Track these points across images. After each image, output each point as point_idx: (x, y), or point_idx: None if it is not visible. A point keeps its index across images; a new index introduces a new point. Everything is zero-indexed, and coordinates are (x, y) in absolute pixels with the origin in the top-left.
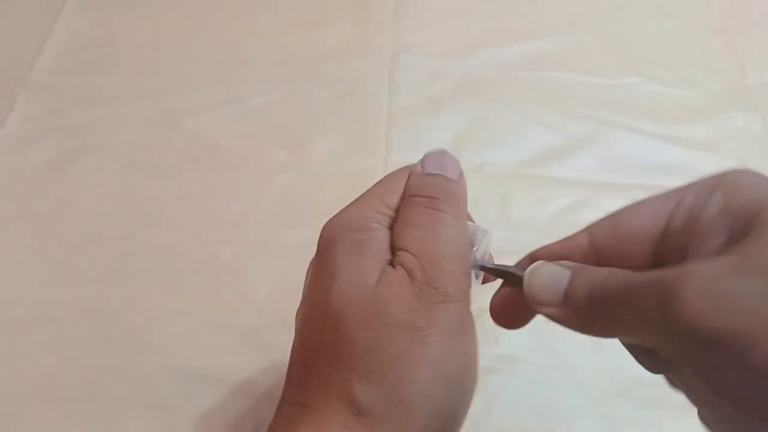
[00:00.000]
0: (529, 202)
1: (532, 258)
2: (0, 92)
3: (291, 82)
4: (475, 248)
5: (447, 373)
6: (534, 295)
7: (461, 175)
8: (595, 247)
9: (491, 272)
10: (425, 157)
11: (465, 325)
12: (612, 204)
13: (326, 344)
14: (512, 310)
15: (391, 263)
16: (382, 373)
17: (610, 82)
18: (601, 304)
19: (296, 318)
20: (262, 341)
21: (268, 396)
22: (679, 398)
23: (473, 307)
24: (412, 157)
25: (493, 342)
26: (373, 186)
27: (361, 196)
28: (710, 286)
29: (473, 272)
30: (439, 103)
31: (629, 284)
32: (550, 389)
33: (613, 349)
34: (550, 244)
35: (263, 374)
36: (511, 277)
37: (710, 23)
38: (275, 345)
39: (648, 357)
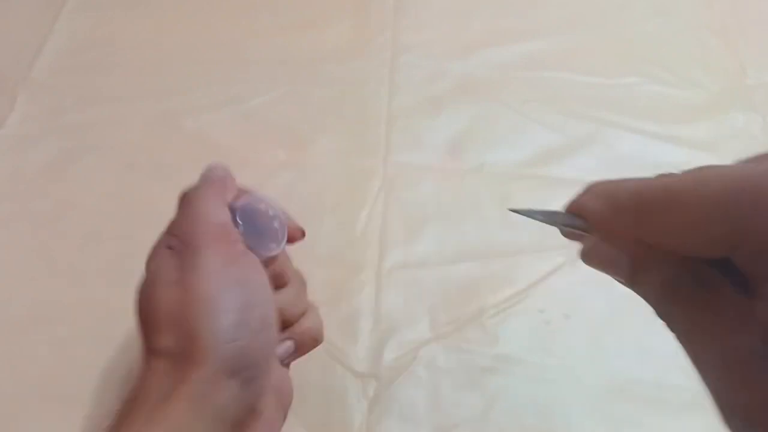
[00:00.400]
0: (529, 202)
1: (575, 209)
2: (0, 92)
3: (291, 82)
4: (238, 212)
5: (213, 300)
6: (595, 267)
7: (214, 165)
8: (639, 222)
9: (537, 219)
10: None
11: (224, 262)
12: None
13: (138, 326)
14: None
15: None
16: (170, 322)
17: (610, 82)
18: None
19: None
20: None
21: None
22: (680, 398)
23: (473, 306)
24: (412, 157)
25: (493, 342)
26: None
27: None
28: None
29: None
30: (439, 103)
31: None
32: (550, 389)
33: (613, 349)
34: (592, 196)
35: None
36: (558, 226)
37: (710, 23)
38: None
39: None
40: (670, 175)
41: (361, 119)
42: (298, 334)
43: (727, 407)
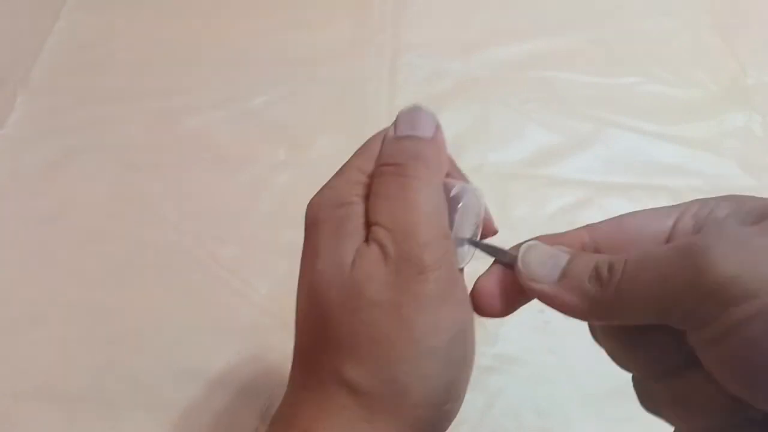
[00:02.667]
0: (529, 202)
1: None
2: (0, 92)
3: (291, 82)
4: (460, 205)
5: (435, 348)
6: (529, 270)
7: (437, 130)
8: (596, 244)
9: (483, 249)
10: (398, 116)
11: (449, 294)
12: (612, 204)
13: (315, 328)
14: (500, 293)
15: (366, 239)
16: (369, 354)
17: (610, 82)
18: (610, 280)
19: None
20: (262, 341)
21: (269, 395)
22: None
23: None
24: None
25: (493, 341)
26: (352, 155)
27: (341, 167)
28: (743, 242)
29: (459, 238)
30: (439, 103)
31: (651, 254)
32: (550, 389)
33: None
34: (547, 235)
35: (263, 374)
36: (502, 256)
37: (710, 23)
38: (275, 345)
39: (637, 350)
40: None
41: (361, 119)
42: None
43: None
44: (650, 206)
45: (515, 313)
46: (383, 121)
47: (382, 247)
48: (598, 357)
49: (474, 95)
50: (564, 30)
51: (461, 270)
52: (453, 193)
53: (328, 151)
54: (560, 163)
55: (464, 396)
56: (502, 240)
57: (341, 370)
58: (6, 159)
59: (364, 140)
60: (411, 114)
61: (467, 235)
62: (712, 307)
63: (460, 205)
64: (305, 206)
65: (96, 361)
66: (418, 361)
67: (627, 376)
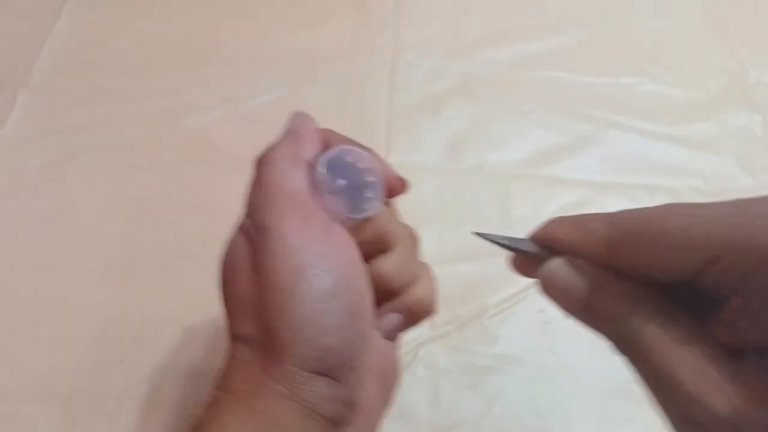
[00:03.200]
0: (529, 202)
1: (541, 237)
2: (0, 92)
3: (291, 82)
4: (323, 167)
5: (291, 289)
6: (552, 297)
7: (301, 122)
8: (614, 248)
9: (499, 245)
10: None
11: (303, 243)
12: (612, 204)
13: (222, 307)
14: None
15: None
16: (245, 311)
17: (610, 82)
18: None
19: None
20: None
21: None
22: None
23: (472, 306)
24: (412, 157)
25: (493, 341)
26: None
27: None
28: None
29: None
30: (439, 103)
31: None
32: (550, 389)
33: None
34: (561, 224)
35: None
36: (521, 252)
37: (710, 23)
38: None
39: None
40: (635, 209)
41: (361, 119)
42: (406, 306)
43: (674, 420)
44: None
45: (515, 313)
46: (383, 121)
47: (243, 226)
48: (599, 357)
49: (474, 95)
50: (564, 30)
51: (370, 218)
52: (322, 159)
53: None
54: (560, 163)
55: (351, 331)
56: None
57: (234, 329)
58: (6, 159)
59: (364, 140)
60: (287, 124)
61: (359, 187)
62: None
63: (321, 163)
64: None
65: (96, 361)
66: (280, 303)
67: (627, 377)
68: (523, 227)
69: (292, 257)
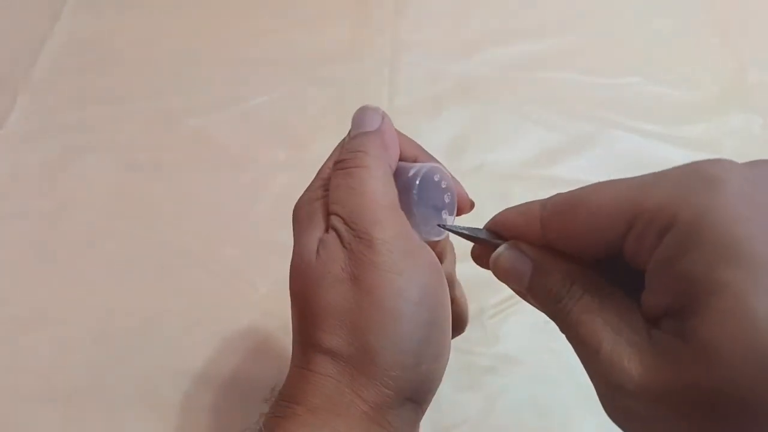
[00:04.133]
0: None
1: (492, 225)
2: (0, 92)
3: (291, 82)
4: (417, 182)
5: (400, 312)
6: (502, 280)
7: (382, 121)
8: (546, 228)
9: (460, 234)
10: (352, 120)
11: (407, 262)
12: None
13: (295, 312)
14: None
15: (326, 228)
16: (342, 324)
17: (610, 82)
18: (571, 301)
19: None
20: (262, 341)
21: (269, 395)
22: None
23: (473, 306)
24: None
25: (493, 341)
26: (325, 162)
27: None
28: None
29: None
30: (439, 103)
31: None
32: (550, 388)
33: None
34: (509, 212)
35: (263, 374)
36: (479, 240)
37: (710, 23)
38: (275, 345)
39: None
40: (567, 192)
41: None
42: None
43: (606, 398)
44: None
45: (515, 313)
46: None
47: (337, 231)
48: None
49: (474, 95)
50: (564, 30)
51: (438, 242)
52: (410, 173)
53: (328, 151)
54: (560, 163)
55: (443, 359)
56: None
57: (321, 341)
58: (6, 159)
59: None
60: (358, 115)
61: (439, 208)
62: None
63: (417, 181)
64: None
65: (96, 361)
66: (383, 325)
67: None
68: None
69: (399, 277)
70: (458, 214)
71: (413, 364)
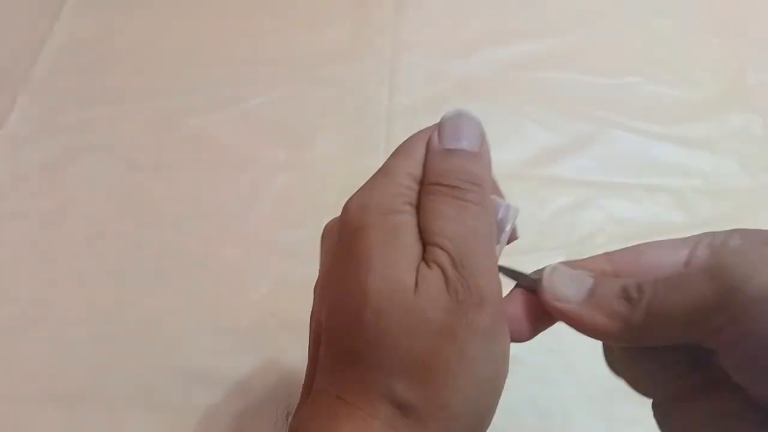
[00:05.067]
0: (529, 202)
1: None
2: (0, 92)
3: (291, 82)
4: (507, 228)
5: (485, 377)
6: (555, 290)
7: (483, 140)
8: (615, 272)
9: (504, 272)
10: (441, 123)
11: (500, 327)
12: (612, 204)
13: (364, 342)
14: (526, 317)
15: (424, 259)
16: (424, 379)
17: (610, 82)
18: (640, 300)
19: (315, 292)
20: (262, 341)
21: (269, 395)
22: None
23: None
24: None
25: None
26: (396, 157)
27: (387, 169)
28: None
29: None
30: (439, 103)
31: (680, 275)
32: (550, 389)
33: None
34: (568, 262)
35: (263, 374)
36: (523, 280)
37: (710, 23)
38: (275, 345)
39: (659, 372)
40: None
41: (361, 119)
42: None
43: None
44: (650, 206)
45: None
46: (383, 121)
47: (444, 271)
48: (599, 357)
49: (474, 95)
50: (564, 30)
51: None
52: (500, 215)
53: (328, 151)
54: (560, 163)
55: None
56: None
57: (394, 390)
58: (6, 159)
59: (364, 140)
60: (456, 122)
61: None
62: (743, 322)
63: (507, 228)
64: (305, 206)
65: (96, 361)
66: (471, 390)
67: None
68: (523, 227)
69: (493, 345)
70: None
71: (482, 428)
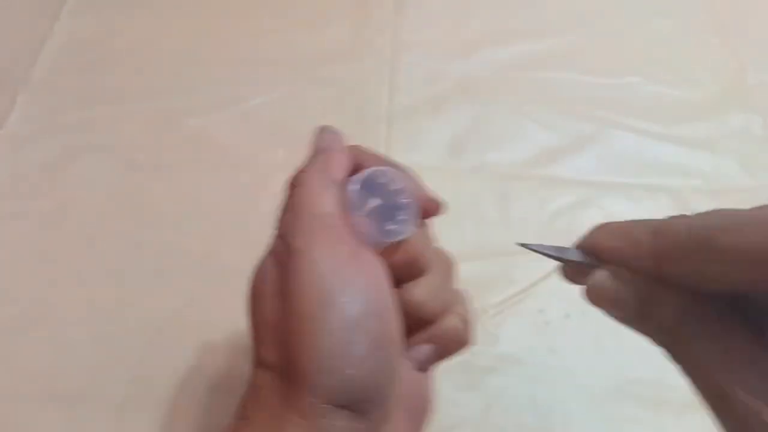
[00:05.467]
0: (529, 202)
1: (586, 246)
2: (0, 92)
3: (291, 82)
4: (355, 188)
5: (318, 318)
6: (598, 306)
7: (328, 136)
8: (662, 261)
9: (546, 255)
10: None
11: (335, 271)
12: (612, 204)
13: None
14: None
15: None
16: (272, 337)
17: (610, 82)
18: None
19: None
20: None
21: None
22: (680, 398)
23: (474, 306)
24: (412, 158)
25: (493, 342)
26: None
27: None
28: None
29: (360, 215)
30: (439, 103)
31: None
32: (549, 389)
33: (613, 349)
34: (605, 233)
35: None
36: (568, 261)
37: (710, 23)
38: None
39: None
40: (684, 216)
41: (361, 119)
42: (437, 336)
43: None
44: (650, 206)
45: (515, 313)
46: (383, 121)
47: (274, 249)
48: (599, 357)
49: (474, 95)
50: (564, 30)
51: (401, 241)
52: (353, 180)
53: None
54: (560, 163)
55: (379, 367)
56: (502, 241)
57: (259, 355)
58: (6, 159)
59: (364, 140)
60: (312, 140)
61: (391, 211)
62: None
63: (351, 187)
64: None
65: (96, 361)
66: (300, 331)
67: (627, 376)
68: (522, 227)
69: (319, 283)
70: (425, 217)
71: (336, 367)
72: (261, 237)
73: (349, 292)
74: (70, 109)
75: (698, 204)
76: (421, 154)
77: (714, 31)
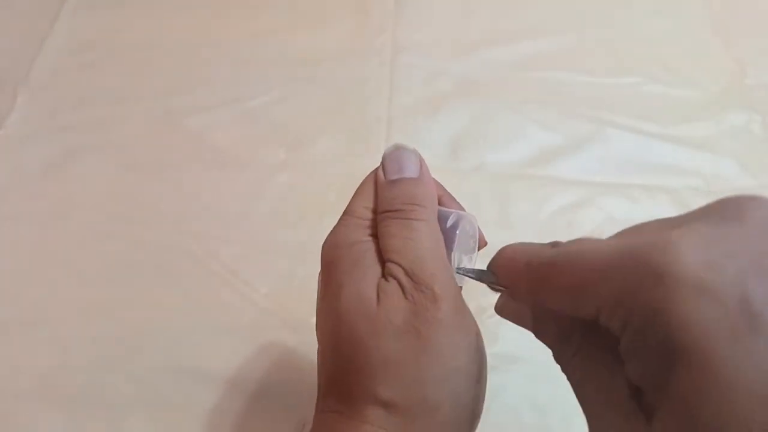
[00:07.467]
0: (529, 202)
1: (492, 268)
2: (0, 92)
3: (291, 82)
4: (457, 232)
5: (456, 367)
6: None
7: (421, 166)
8: (530, 288)
9: (469, 276)
10: (383, 160)
11: (461, 316)
12: (612, 204)
13: (345, 358)
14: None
15: (383, 274)
16: (398, 375)
17: (610, 82)
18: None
19: (316, 332)
20: (262, 341)
21: (269, 395)
22: None
23: (472, 305)
24: None
25: (493, 340)
26: (354, 197)
27: (348, 209)
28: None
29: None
30: (439, 103)
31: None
32: (549, 387)
33: None
34: (504, 257)
35: (263, 374)
36: (486, 283)
37: (710, 23)
38: (275, 344)
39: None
40: (558, 243)
41: (361, 119)
42: None
43: None
44: (650, 206)
45: None
46: (383, 121)
47: (399, 281)
48: None
49: (474, 95)
50: (564, 30)
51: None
52: (449, 223)
53: (328, 151)
54: (560, 163)
55: (482, 407)
56: (502, 241)
57: (377, 393)
58: (6, 159)
59: (364, 140)
60: (395, 155)
61: (465, 256)
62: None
63: (457, 232)
64: (306, 206)
65: (96, 361)
66: (445, 379)
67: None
68: (522, 227)
69: (457, 333)
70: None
71: (468, 419)
72: (261, 237)
73: (477, 345)
74: (70, 109)
75: (698, 204)
76: (421, 154)
77: (714, 31)
